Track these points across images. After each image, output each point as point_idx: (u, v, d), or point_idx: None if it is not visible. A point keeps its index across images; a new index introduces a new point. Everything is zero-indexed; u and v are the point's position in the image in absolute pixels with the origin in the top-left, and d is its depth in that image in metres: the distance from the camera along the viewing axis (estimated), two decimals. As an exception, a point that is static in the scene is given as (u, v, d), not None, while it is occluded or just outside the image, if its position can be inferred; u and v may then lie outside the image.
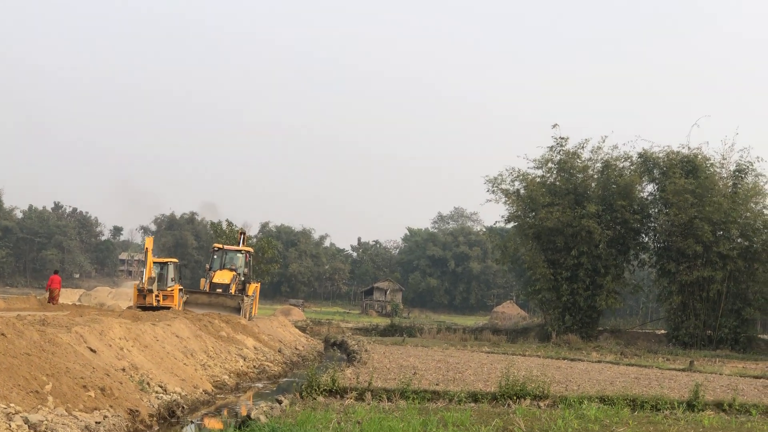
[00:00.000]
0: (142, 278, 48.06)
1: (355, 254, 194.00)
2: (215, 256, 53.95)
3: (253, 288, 54.06)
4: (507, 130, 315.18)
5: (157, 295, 48.92)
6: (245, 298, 49.92)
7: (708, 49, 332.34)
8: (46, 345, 18.76)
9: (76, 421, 15.21)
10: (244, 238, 60.44)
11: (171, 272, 52.20)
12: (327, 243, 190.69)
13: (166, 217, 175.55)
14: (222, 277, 50.76)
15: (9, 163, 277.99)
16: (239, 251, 54.79)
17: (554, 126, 65.01)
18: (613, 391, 24.65)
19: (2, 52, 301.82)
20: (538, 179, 65.68)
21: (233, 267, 52.61)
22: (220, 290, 49.67)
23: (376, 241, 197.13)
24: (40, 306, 42.14)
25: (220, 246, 55.96)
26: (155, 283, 47.80)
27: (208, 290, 50.21)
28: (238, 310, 47.56)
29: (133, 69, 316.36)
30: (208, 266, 54.29)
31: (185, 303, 48.13)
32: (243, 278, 52.79)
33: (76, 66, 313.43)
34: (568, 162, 65.04)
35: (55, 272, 51.63)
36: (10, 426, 13.38)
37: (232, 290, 50.12)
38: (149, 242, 48.73)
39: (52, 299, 46.53)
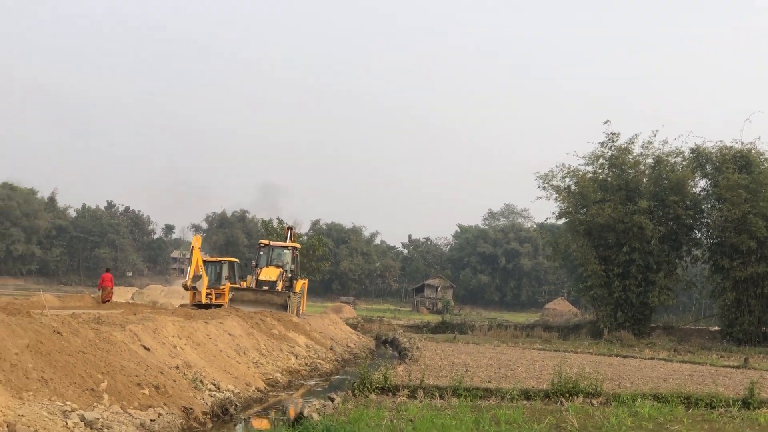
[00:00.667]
0: (187, 276, 48.74)
1: (405, 251, 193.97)
2: (261, 253, 53.12)
3: (301, 284, 52.96)
4: (557, 126, 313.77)
5: (209, 293, 49.48)
6: (292, 294, 48.94)
7: (760, 44, 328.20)
8: (100, 343, 18.95)
9: (131, 419, 15.34)
10: (291, 234, 59.34)
11: (225, 271, 52.69)
12: (378, 240, 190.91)
13: (217, 215, 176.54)
14: (268, 274, 49.68)
15: (62, 163, 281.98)
16: (286, 247, 54.01)
17: (606, 122, 64.58)
18: (666, 388, 24.38)
19: (52, 58, 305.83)
20: (589, 175, 65.18)
21: (280, 264, 51.61)
22: (267, 287, 48.58)
23: (427, 238, 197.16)
24: (94, 304, 42.64)
25: (267, 242, 55.13)
26: (200, 281, 48.30)
27: (254, 287, 49.15)
28: (284, 307, 46.64)
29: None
30: (254, 263, 53.44)
31: (231, 300, 47.60)
32: (290, 275, 51.80)
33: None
34: (619, 157, 64.45)
35: (107, 270, 52.06)
36: (67, 423, 13.52)
37: (279, 287, 49.03)
38: (196, 240, 49.11)
39: (105, 297, 46.94)
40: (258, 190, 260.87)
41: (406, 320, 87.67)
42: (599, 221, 61.45)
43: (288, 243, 55.51)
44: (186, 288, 49.05)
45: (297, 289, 51.13)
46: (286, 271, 51.25)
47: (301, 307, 51.92)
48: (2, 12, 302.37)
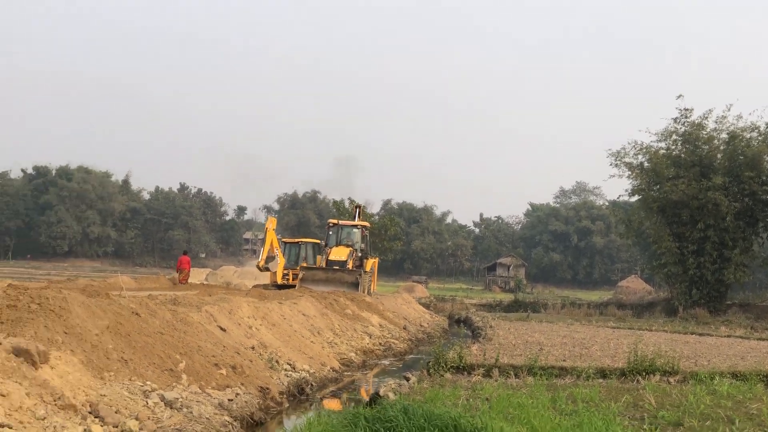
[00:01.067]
0: (260, 257, 49.26)
1: (477, 230, 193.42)
2: (331, 233, 52.82)
3: (371, 263, 52.51)
4: (628, 102, 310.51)
5: (286, 274, 49.84)
6: (363, 273, 48.47)
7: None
8: (178, 324, 19.16)
9: (210, 399, 15.48)
10: (359, 212, 59.06)
11: (304, 252, 52.96)
12: (449, 219, 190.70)
13: (288, 196, 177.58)
14: (338, 253, 49.40)
15: (135, 145, 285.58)
16: (355, 226, 53.62)
17: (678, 97, 63.69)
18: (744, 366, 23.99)
19: (123, 42, 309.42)
20: (662, 152, 64.32)
21: (350, 243, 51.34)
22: (337, 267, 48.17)
23: (498, 217, 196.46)
24: (170, 285, 43.17)
25: (336, 222, 54.87)
26: (273, 262, 48.77)
27: (324, 267, 48.86)
28: (356, 285, 46.56)
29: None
30: (324, 243, 53.06)
31: (301, 280, 47.24)
32: (360, 254, 51.38)
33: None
34: (693, 133, 63.45)
35: (185, 253, 52.93)
36: (148, 403, 13.68)
37: (349, 266, 48.60)
38: (270, 222, 49.49)
39: (182, 279, 47.70)
40: (334, 165, 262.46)
41: (478, 299, 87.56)
42: (673, 198, 60.62)
43: (357, 222, 55.21)
44: (260, 269, 49.69)
45: (367, 268, 50.57)
46: (356, 250, 50.97)
47: (372, 286, 51.50)
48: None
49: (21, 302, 14.71)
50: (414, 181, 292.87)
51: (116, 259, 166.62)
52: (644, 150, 64.39)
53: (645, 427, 13.91)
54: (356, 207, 60.58)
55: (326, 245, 51.71)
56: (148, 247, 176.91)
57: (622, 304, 71.94)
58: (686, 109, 63.26)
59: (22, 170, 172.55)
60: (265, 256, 48.59)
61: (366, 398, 17.76)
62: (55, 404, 11.51)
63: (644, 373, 21.09)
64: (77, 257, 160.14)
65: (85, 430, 11.12)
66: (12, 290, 15.55)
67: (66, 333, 14.33)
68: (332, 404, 20.46)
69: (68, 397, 11.84)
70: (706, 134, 63.12)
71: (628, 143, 65.15)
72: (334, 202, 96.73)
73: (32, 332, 13.74)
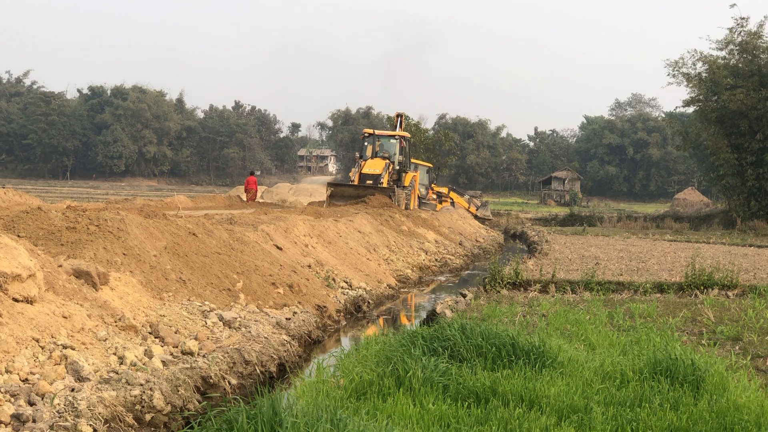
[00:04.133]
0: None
1: (531, 144, 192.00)
2: (366, 143, 48.88)
3: (411, 178, 48.16)
4: (685, 11, 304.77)
5: None
6: (398, 189, 44.43)
7: None
8: (234, 243, 19.28)
9: (268, 318, 15.59)
10: (401, 122, 53.95)
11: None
12: (503, 134, 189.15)
13: (341, 112, 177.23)
14: (373, 166, 45.55)
15: (190, 63, 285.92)
16: (393, 137, 49.21)
17: (732, 5, 62.38)
18: (806, 277, 23.78)
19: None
20: (721, 61, 63.21)
21: (386, 155, 47.18)
22: (371, 181, 44.45)
23: (553, 131, 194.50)
24: (227, 204, 43.55)
25: (371, 131, 50.08)
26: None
27: (357, 182, 45.16)
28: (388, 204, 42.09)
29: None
30: (357, 154, 49.20)
31: (330, 197, 44.46)
32: (398, 167, 47.28)
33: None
34: (750, 42, 62.19)
35: (251, 173, 53.62)
36: (206, 323, 13.82)
37: (384, 181, 44.78)
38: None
39: (250, 198, 49.38)
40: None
41: (533, 213, 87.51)
42: (731, 108, 59.67)
43: (396, 132, 50.73)
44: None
45: (406, 183, 47.06)
46: (393, 162, 47.19)
47: (411, 203, 47.43)
48: None
49: (80, 224, 14.84)
50: (468, 96, 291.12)
51: (172, 177, 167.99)
52: (703, 59, 63.33)
53: (704, 342, 13.84)
54: (397, 116, 54.91)
55: (360, 157, 48.01)
56: (204, 166, 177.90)
57: (679, 216, 71.37)
58: (742, 18, 61.93)
59: (78, 90, 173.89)
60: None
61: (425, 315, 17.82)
62: (116, 325, 11.65)
63: (702, 288, 20.92)
64: (134, 176, 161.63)
65: (145, 350, 11.25)
66: (71, 212, 15.69)
67: (125, 254, 14.47)
68: (389, 322, 20.57)
69: (128, 318, 11.98)
70: (764, 43, 61.82)
71: (687, 52, 64.16)
72: (388, 117, 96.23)
73: (92, 254, 13.88)
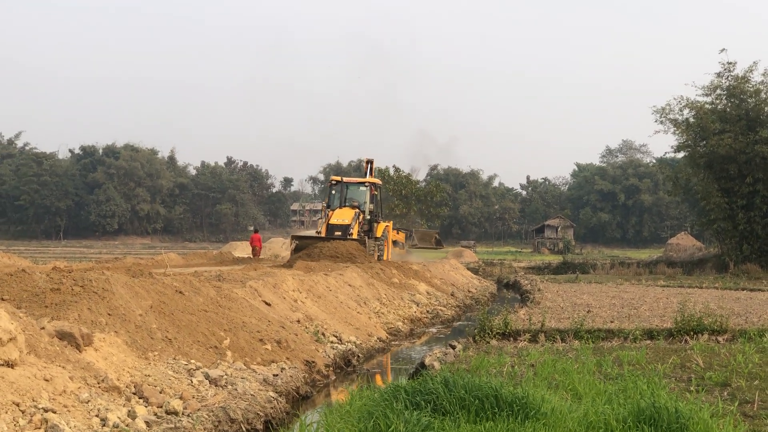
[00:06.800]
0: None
1: (524, 192, 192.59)
2: (333, 192, 45.96)
3: (383, 228, 45.39)
4: (672, 59, 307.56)
5: None
6: (369, 240, 42.36)
7: None
8: (222, 300, 19.23)
9: (255, 375, 15.56)
10: (371, 168, 49.64)
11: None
12: (496, 183, 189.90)
13: (332, 166, 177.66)
14: (342, 216, 42.82)
15: (179, 122, 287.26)
16: (362, 184, 46.22)
17: (721, 51, 62.86)
18: (797, 321, 23.75)
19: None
20: (708, 106, 63.61)
21: (356, 204, 44.30)
22: (339, 233, 41.57)
23: (545, 179, 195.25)
24: (217, 261, 43.54)
25: (339, 179, 46.94)
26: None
27: (324, 233, 42.21)
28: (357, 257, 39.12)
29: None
30: (324, 204, 46.55)
31: (295, 250, 41.71)
32: (369, 216, 44.69)
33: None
34: (738, 87, 62.64)
35: (255, 231, 54.35)
36: (192, 381, 13.78)
37: (354, 232, 42.11)
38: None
39: (256, 255, 50.18)
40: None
41: (527, 262, 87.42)
42: (720, 153, 59.95)
43: (365, 179, 47.34)
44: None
45: (378, 234, 44.43)
46: (363, 212, 44.35)
47: (385, 254, 45.38)
48: None
49: (64, 285, 14.84)
50: (459, 146, 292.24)
51: (166, 235, 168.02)
52: (689, 105, 63.73)
53: (691, 388, 13.80)
54: (367, 162, 50.30)
55: (328, 206, 45.10)
56: (197, 222, 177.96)
57: (672, 261, 71.36)
58: (729, 63, 62.42)
59: (70, 150, 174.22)
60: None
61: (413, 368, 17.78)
62: (99, 387, 11.62)
63: (692, 333, 20.90)
64: (128, 235, 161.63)
65: (129, 411, 11.22)
66: (55, 273, 15.69)
67: (109, 314, 14.46)
68: (379, 376, 20.51)
69: (112, 379, 11.96)
70: (752, 87, 62.24)
71: (674, 99, 64.40)
72: (379, 171, 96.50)
73: (76, 315, 13.86)
